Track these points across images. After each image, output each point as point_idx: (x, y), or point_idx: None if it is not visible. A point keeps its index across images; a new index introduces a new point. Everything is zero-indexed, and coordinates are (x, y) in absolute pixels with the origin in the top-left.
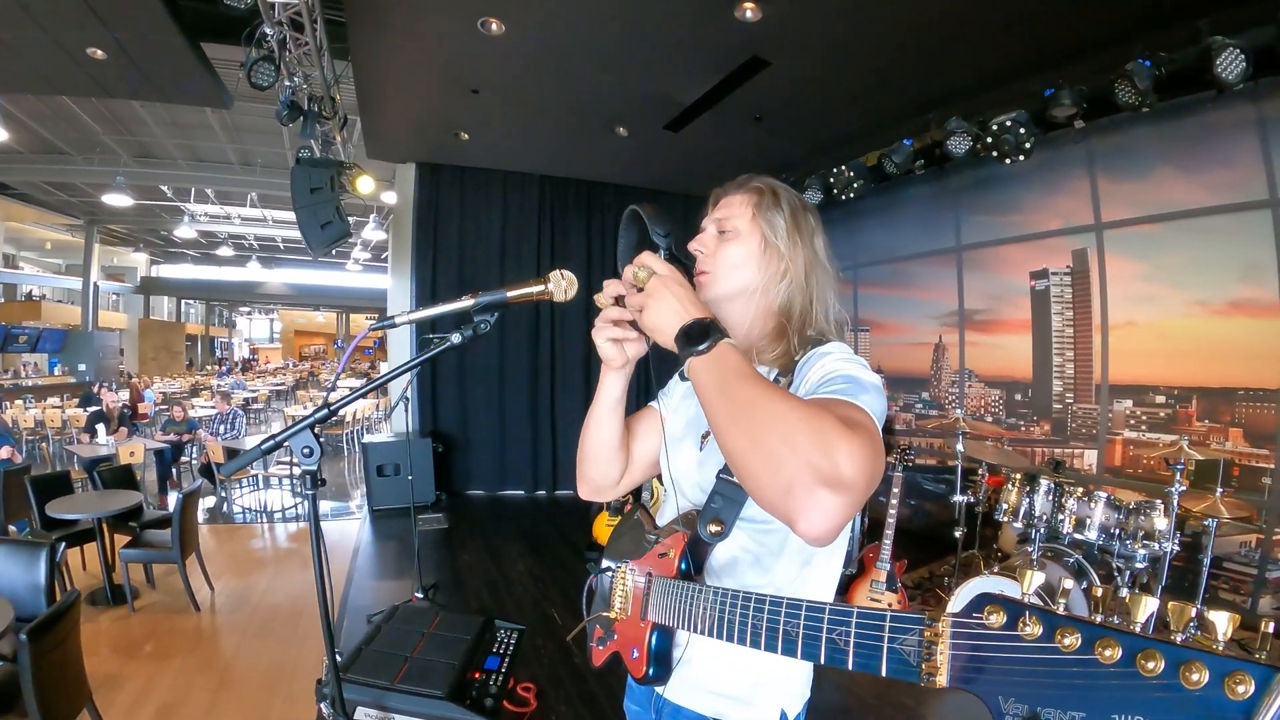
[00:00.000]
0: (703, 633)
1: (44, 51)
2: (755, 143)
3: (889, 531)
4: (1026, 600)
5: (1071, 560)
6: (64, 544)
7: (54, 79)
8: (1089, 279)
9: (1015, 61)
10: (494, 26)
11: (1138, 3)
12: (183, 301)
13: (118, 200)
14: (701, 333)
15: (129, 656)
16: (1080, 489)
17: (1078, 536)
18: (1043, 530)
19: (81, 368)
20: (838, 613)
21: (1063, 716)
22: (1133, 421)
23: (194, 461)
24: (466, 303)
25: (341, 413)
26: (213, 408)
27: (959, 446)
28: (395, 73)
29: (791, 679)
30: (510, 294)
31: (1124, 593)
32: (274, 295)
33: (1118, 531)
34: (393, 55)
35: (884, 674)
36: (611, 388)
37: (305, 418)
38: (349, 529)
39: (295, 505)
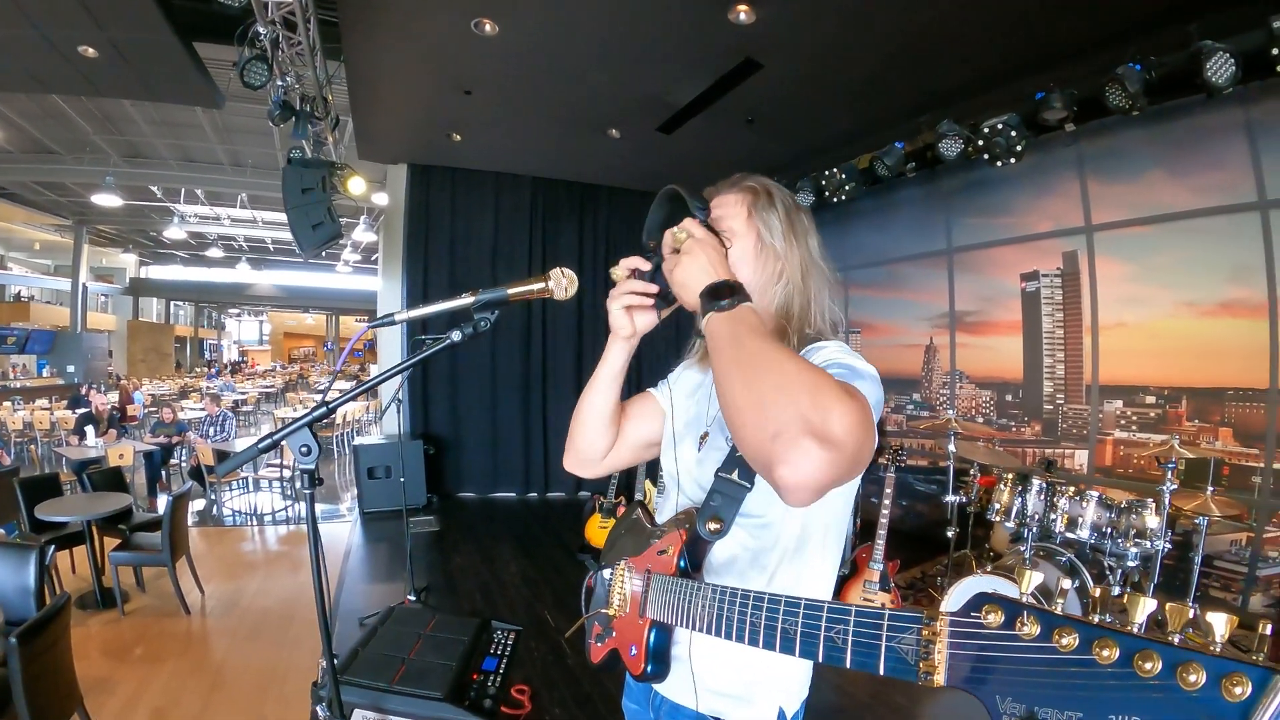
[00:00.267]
0: (701, 630)
1: (35, 49)
2: (748, 145)
3: (882, 532)
4: (1024, 600)
5: (1064, 559)
6: (53, 547)
7: (44, 77)
8: (1079, 281)
9: (1007, 65)
10: (488, 27)
11: (1128, 7)
12: (172, 303)
13: (107, 200)
14: (728, 291)
15: (119, 660)
16: (1072, 488)
17: (1070, 535)
18: (1035, 529)
19: (70, 369)
20: (836, 611)
21: (1060, 716)
22: (1123, 422)
23: (183, 464)
24: (467, 300)
25: (332, 415)
26: (202, 410)
27: (951, 447)
28: (388, 73)
29: (790, 677)
30: (511, 291)
31: (1116, 591)
32: (263, 297)
33: (1110, 530)
34: (386, 55)
35: (882, 672)
36: (615, 358)
37: (303, 416)
38: (340, 532)
39: (285, 508)
